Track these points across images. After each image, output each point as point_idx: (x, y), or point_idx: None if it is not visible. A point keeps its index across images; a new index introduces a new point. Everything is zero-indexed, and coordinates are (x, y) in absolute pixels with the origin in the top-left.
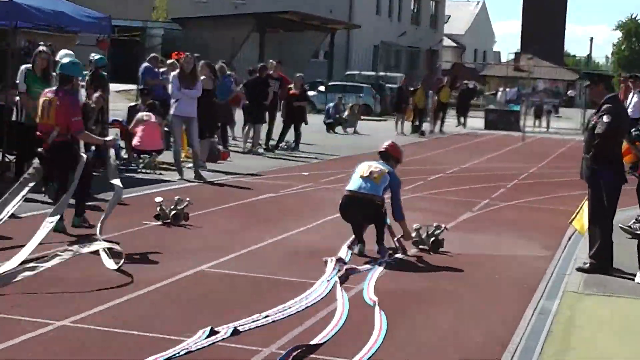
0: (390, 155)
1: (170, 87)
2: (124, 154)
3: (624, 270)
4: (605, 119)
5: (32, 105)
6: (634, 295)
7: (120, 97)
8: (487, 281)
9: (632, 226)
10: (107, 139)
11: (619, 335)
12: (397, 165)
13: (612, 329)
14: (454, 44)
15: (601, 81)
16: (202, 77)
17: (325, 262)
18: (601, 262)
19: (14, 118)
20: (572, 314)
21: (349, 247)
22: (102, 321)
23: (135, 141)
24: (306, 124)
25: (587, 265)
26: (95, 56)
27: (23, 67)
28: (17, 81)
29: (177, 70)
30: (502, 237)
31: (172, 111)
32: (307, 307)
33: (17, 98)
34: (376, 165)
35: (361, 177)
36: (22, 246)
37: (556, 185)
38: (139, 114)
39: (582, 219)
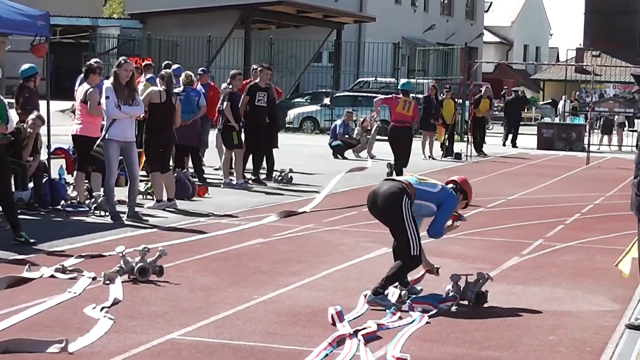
0: (460, 189)
1: (103, 103)
2: (71, 191)
3: None
4: None
5: None
6: None
7: (64, 118)
8: (540, 345)
9: None
10: None
11: None
12: (463, 204)
13: None
14: (498, 39)
15: None
16: (149, 90)
17: (333, 322)
18: None
19: None
20: None
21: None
22: None
23: (75, 129)
24: (276, 147)
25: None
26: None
27: None
28: None
29: (111, 81)
30: (559, 288)
31: (105, 134)
32: None
33: None
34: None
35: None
36: None
37: (629, 220)
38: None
39: (629, 261)
